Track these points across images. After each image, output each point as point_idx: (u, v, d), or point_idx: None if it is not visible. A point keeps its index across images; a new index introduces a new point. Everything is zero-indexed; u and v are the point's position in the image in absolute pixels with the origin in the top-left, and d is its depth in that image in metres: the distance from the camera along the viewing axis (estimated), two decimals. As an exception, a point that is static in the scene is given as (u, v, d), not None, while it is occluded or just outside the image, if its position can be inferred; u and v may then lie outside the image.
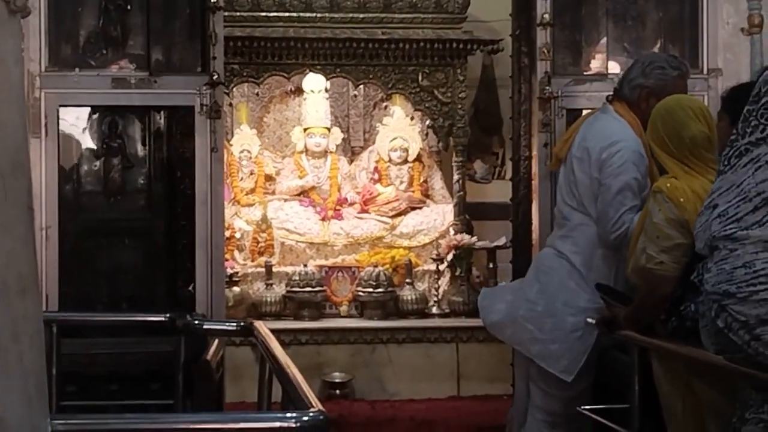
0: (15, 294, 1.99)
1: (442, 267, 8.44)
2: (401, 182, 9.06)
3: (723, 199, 3.39)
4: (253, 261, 8.51)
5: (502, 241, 8.10)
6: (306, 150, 9.08)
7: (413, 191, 9.05)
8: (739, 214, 3.31)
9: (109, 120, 5.59)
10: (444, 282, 8.48)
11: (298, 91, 9.18)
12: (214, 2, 5.53)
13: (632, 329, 4.21)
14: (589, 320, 4.66)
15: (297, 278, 8.19)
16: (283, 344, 4.07)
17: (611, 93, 5.11)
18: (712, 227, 3.38)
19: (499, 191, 8.84)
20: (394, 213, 8.87)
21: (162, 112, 5.61)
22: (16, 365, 1.98)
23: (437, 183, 9.21)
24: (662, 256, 4.00)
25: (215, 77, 5.49)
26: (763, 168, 3.31)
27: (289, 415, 2.43)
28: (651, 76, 4.94)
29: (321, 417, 2.37)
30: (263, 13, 8.52)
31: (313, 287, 8.18)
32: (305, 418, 2.37)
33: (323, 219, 8.83)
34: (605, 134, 4.92)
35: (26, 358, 2.01)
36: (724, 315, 3.31)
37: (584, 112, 5.87)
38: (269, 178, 9.13)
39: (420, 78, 8.62)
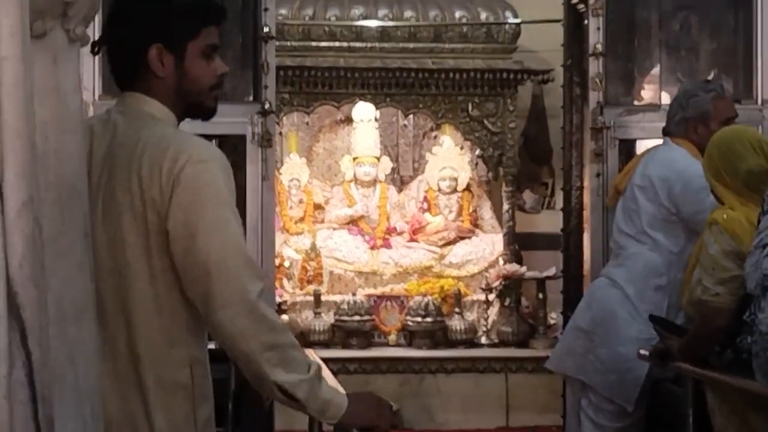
0: (71, 320, 2.01)
1: (491, 297, 8.40)
2: (450, 212, 9.04)
3: None
4: (301, 289, 8.51)
5: (551, 271, 8.06)
6: (355, 179, 9.08)
7: (462, 221, 9.03)
8: None
9: (163, 149, 5.62)
10: (493, 312, 8.45)
11: (348, 120, 9.19)
12: (266, 32, 5.57)
13: (686, 361, 4.16)
14: (642, 352, 4.62)
15: (346, 307, 8.18)
16: (331, 373, 4.06)
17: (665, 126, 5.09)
18: (764, 265, 3.33)
19: (549, 222, 8.81)
20: (443, 242, 8.85)
21: (214, 141, 5.64)
22: (72, 390, 1.99)
23: (486, 213, 9.18)
24: (718, 288, 3.96)
25: (267, 106, 5.52)
26: None
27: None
28: (689, 106, 4.93)
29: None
30: (314, 43, 8.55)
31: (361, 316, 8.17)
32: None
33: (372, 248, 8.82)
34: (669, 164, 4.91)
35: (82, 383, 2.02)
36: None
37: (637, 142, 5.87)
38: (318, 207, 9.14)
39: (470, 108, 8.62)
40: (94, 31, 5.18)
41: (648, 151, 5.23)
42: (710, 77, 5.85)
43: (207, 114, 2.73)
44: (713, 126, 4.85)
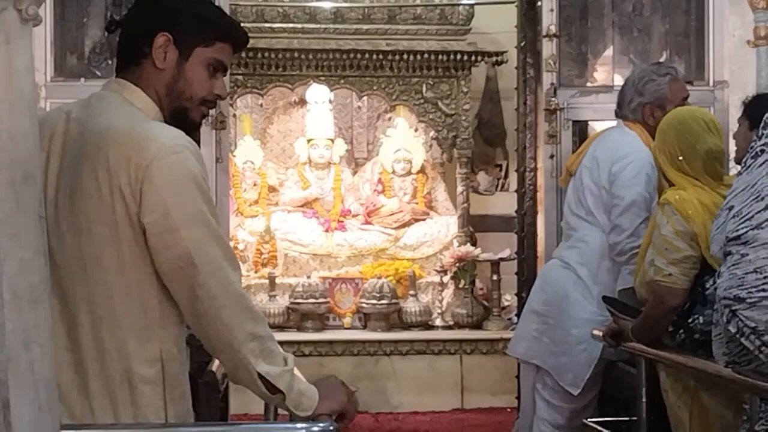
0: (26, 303, 1.99)
1: (445, 279, 8.43)
2: (405, 194, 9.05)
3: (738, 200, 3.40)
4: (256, 272, 8.50)
5: (506, 253, 8.09)
6: (309, 161, 9.08)
7: (417, 203, 9.05)
8: (750, 213, 3.32)
9: (114, 130, 5.58)
10: (448, 294, 8.47)
11: (302, 102, 9.19)
12: (219, 13, 5.53)
13: (640, 342, 4.19)
14: (596, 332, 4.65)
15: (300, 290, 8.18)
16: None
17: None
18: (727, 227, 3.38)
19: (503, 203, 8.87)
20: (397, 225, 8.87)
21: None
22: (27, 374, 1.97)
23: (441, 195, 9.21)
24: (671, 268, 3.98)
25: (221, 88, 5.49)
26: None
27: (300, 426, 2.41)
28: (646, 91, 4.93)
29: (332, 428, 2.36)
30: (267, 24, 8.52)
31: (316, 299, 8.17)
32: (315, 429, 2.36)
33: (327, 230, 8.82)
34: (616, 147, 4.92)
35: (37, 368, 2.00)
36: (735, 320, 3.32)
37: (590, 123, 5.90)
38: (272, 190, 9.13)
39: (424, 89, 8.63)
40: (45, 11, 5.13)
41: (600, 133, 5.26)
42: (662, 59, 5.88)
43: (189, 126, 2.66)
44: (670, 109, 4.87)
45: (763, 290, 3.25)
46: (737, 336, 3.32)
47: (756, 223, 3.29)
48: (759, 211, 3.31)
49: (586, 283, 4.94)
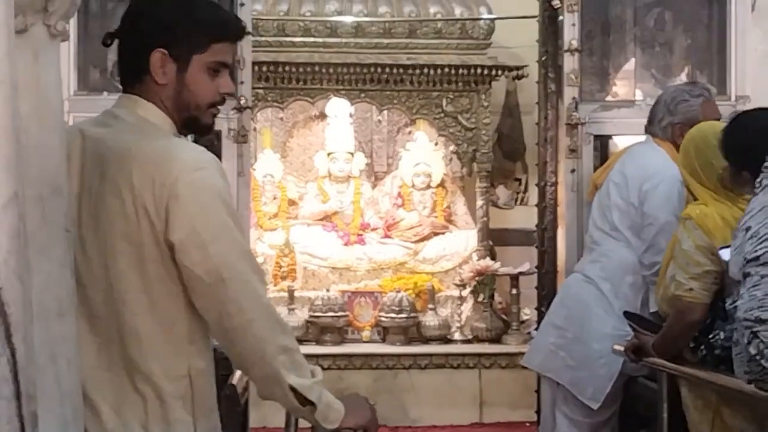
0: (53, 316, 2.00)
1: (464, 293, 8.42)
2: (424, 207, 9.05)
3: (755, 221, 3.39)
4: (275, 285, 8.50)
5: (525, 267, 8.07)
6: (329, 175, 9.09)
7: (436, 217, 9.04)
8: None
9: (137, 144, 5.60)
10: (467, 308, 8.46)
11: (322, 116, 9.20)
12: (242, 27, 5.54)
13: (661, 357, 4.18)
14: (617, 347, 4.64)
15: (319, 303, 8.18)
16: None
17: (646, 122, 5.10)
18: (745, 248, 3.37)
19: (522, 217, 8.84)
20: (417, 238, 8.87)
21: (189, 137, 5.62)
22: (54, 387, 1.98)
23: (460, 209, 9.20)
24: (692, 283, 3.97)
25: (242, 102, 5.51)
26: None
27: (326, 438, 2.43)
28: (677, 111, 4.91)
29: (356, 440, 2.37)
30: (288, 38, 8.53)
31: (335, 312, 8.17)
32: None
33: (346, 244, 8.82)
34: (646, 164, 4.90)
35: (63, 381, 2.01)
36: (756, 342, 3.30)
37: (612, 138, 5.88)
38: (292, 203, 9.14)
39: (444, 103, 8.63)
40: (74, 27, 5.16)
41: (628, 147, 5.24)
42: (684, 73, 5.87)
43: (203, 130, 2.68)
44: None
45: None
46: (757, 357, 3.30)
47: None
48: None
49: (608, 298, 4.92)
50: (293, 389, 2.45)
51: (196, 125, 2.64)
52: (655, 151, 4.93)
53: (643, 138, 5.12)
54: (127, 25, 2.61)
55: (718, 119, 4.88)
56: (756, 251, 3.32)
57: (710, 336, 3.98)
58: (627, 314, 4.61)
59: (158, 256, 2.43)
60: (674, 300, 4.05)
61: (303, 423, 2.71)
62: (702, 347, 4.02)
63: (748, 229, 3.41)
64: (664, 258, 4.32)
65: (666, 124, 4.93)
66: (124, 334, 2.45)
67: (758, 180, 3.49)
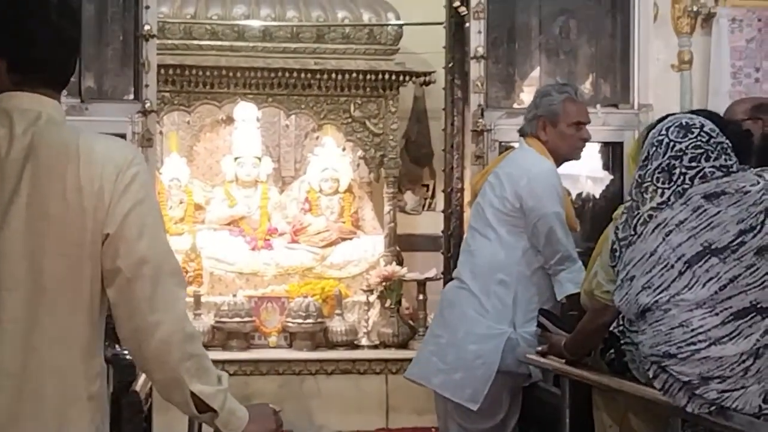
0: None
1: (372, 298, 8.41)
2: (332, 213, 9.03)
3: (639, 270, 3.34)
4: (181, 290, 8.41)
5: (432, 272, 8.10)
6: (236, 179, 9.03)
7: (344, 222, 9.03)
8: (665, 284, 3.26)
9: (38, 146, 5.51)
10: (374, 313, 8.46)
11: (229, 120, 9.14)
12: (147, 30, 5.50)
13: (572, 356, 4.19)
14: (531, 357, 4.65)
15: (226, 308, 8.13)
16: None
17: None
18: (640, 300, 3.33)
19: (430, 223, 8.87)
20: (324, 243, 8.85)
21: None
22: None
23: (368, 214, 9.20)
24: (610, 285, 3.96)
25: (147, 105, 5.46)
26: (675, 231, 3.30)
27: (224, 447, 2.40)
28: (541, 105, 5.02)
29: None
30: (195, 42, 8.47)
31: (242, 317, 8.12)
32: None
33: (253, 249, 8.77)
34: (519, 163, 5.03)
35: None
36: (664, 376, 3.27)
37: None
38: (199, 207, 9.07)
39: (352, 109, 8.63)
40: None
41: (505, 153, 5.33)
42: (588, 82, 5.95)
43: None
44: (562, 128, 4.98)
45: (693, 344, 3.21)
46: (663, 394, 3.30)
47: (674, 291, 3.26)
48: (674, 280, 3.27)
49: (480, 298, 4.96)
50: (195, 395, 2.43)
51: None
52: (526, 151, 5.05)
53: None
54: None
55: (584, 122, 4.99)
56: (657, 300, 3.28)
57: (620, 342, 3.98)
58: (542, 311, 4.64)
59: (97, 254, 2.39)
60: (591, 298, 3.99)
61: (207, 429, 2.69)
62: (611, 351, 4.02)
63: (632, 278, 3.38)
64: (594, 253, 4.28)
65: (531, 117, 5.04)
66: (48, 338, 2.39)
67: (628, 220, 3.51)
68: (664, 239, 3.31)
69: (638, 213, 3.44)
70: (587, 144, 5.13)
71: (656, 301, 3.27)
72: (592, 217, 6.02)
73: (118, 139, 2.55)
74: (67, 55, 2.54)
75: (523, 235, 4.93)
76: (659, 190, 3.42)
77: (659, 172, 3.44)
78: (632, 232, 3.45)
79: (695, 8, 5.90)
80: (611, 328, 3.96)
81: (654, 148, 3.49)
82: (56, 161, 2.39)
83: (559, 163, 5.06)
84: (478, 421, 4.96)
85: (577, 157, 5.12)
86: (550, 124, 4.96)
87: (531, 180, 4.89)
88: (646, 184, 3.46)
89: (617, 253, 3.56)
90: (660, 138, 3.51)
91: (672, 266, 3.27)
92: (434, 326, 5.21)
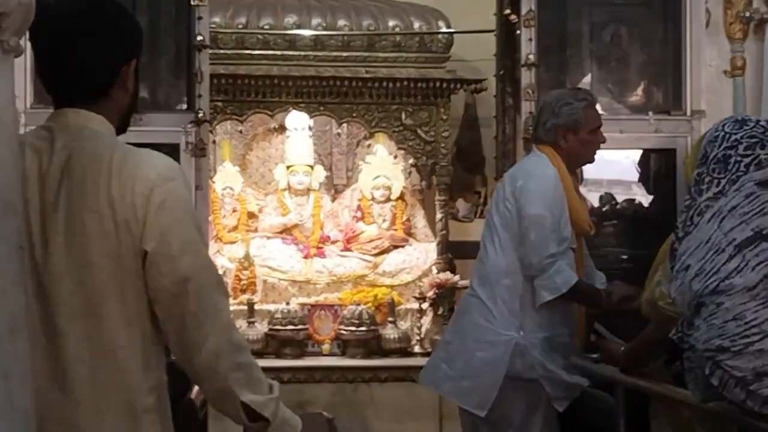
0: (5, 334, 1.99)
1: (424, 306, 8.42)
2: (384, 220, 9.05)
3: (694, 258, 3.33)
4: (235, 298, 8.46)
5: (484, 280, 8.09)
6: (289, 188, 9.07)
7: (396, 229, 9.05)
8: (716, 267, 3.25)
9: (94, 158, 5.57)
10: (426, 321, 8.47)
11: (281, 128, 9.18)
12: (200, 40, 5.55)
13: (630, 365, 4.16)
14: (579, 362, 4.64)
15: (279, 316, 8.16)
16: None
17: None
18: (693, 287, 3.31)
19: (481, 230, 8.84)
20: (376, 251, 8.86)
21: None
22: (6, 405, 1.97)
23: (420, 221, 9.21)
24: None
25: (201, 115, 5.50)
26: (728, 217, 3.29)
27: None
28: (561, 113, 5.00)
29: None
30: (247, 51, 8.52)
31: (295, 325, 8.15)
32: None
33: (306, 257, 8.81)
34: (521, 166, 5.13)
35: (16, 399, 2.00)
36: (719, 372, 3.24)
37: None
38: (252, 216, 9.11)
39: (403, 116, 8.64)
40: (25, 42, 5.13)
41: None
42: (640, 89, 5.93)
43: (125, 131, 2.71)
44: (583, 135, 4.97)
45: (746, 336, 3.17)
46: (720, 390, 3.27)
47: (724, 275, 3.23)
48: (724, 263, 3.24)
49: (488, 305, 4.95)
50: (245, 405, 2.46)
51: (125, 126, 2.66)
52: (534, 156, 5.05)
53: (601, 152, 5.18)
54: (88, 41, 2.57)
55: (599, 126, 4.98)
56: (708, 286, 3.27)
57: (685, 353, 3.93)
58: (598, 324, 4.65)
59: (137, 268, 2.43)
60: (655, 308, 3.96)
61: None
62: (678, 363, 3.94)
63: (687, 267, 3.37)
64: (656, 260, 4.24)
65: (550, 126, 5.02)
66: (97, 351, 2.43)
67: (682, 220, 3.50)
68: (718, 226, 3.30)
69: (695, 204, 3.45)
70: (639, 151, 5.13)
71: (709, 289, 3.25)
72: (644, 224, 5.99)
73: (155, 153, 2.55)
74: (110, 77, 2.59)
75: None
76: (715, 180, 3.43)
77: (715, 163, 3.45)
78: (689, 223, 3.45)
79: (748, 14, 5.85)
80: (671, 335, 3.93)
81: (711, 144, 3.50)
82: (89, 175, 2.44)
83: (575, 168, 5.10)
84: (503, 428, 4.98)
85: (593, 160, 5.12)
86: (571, 132, 4.97)
87: (527, 181, 4.90)
88: (704, 177, 3.47)
89: (675, 252, 3.55)
90: (716, 134, 3.56)
91: (723, 250, 3.25)
92: (446, 333, 5.27)
